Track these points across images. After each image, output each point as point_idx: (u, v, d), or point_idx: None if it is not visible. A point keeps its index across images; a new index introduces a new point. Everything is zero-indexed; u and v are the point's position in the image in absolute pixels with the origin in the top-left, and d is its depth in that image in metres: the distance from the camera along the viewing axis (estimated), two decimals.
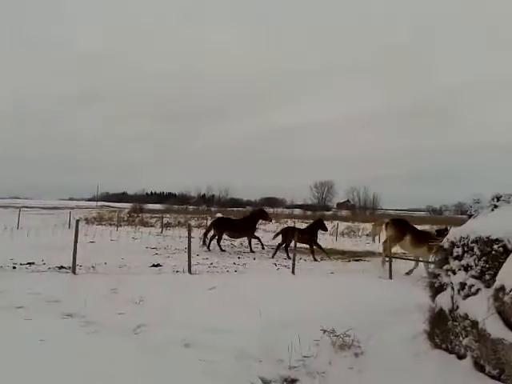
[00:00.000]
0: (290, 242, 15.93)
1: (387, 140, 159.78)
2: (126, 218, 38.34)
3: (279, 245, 17.04)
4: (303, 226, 22.40)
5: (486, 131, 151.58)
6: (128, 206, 63.53)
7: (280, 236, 17.36)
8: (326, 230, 18.20)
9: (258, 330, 6.07)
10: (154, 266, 12.28)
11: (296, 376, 4.81)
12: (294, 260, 12.26)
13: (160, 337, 5.66)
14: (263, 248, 18.35)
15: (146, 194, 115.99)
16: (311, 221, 23.32)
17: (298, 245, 14.06)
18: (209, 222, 23.80)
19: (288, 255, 16.16)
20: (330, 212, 79.63)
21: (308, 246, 16.78)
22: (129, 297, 7.75)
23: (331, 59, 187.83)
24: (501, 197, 5.29)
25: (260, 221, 19.73)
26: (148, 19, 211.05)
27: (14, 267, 10.85)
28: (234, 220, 19.91)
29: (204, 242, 17.85)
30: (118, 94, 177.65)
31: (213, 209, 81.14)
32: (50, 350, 5.05)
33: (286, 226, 25.76)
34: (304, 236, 16.28)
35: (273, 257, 16.39)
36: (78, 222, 11.54)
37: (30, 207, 53.66)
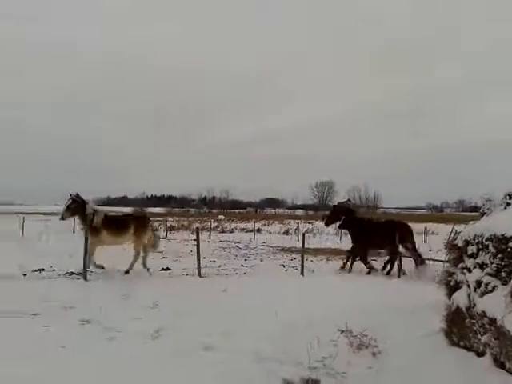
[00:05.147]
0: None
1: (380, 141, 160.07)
2: None
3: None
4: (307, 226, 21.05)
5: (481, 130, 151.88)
6: (129, 210, 63.47)
7: None
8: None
9: (275, 332, 6.12)
10: (163, 269, 12.33)
11: (317, 376, 4.84)
12: (302, 261, 12.30)
13: (179, 341, 5.69)
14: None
15: (147, 197, 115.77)
16: (313, 221, 21.48)
17: None
18: (213, 225, 23.56)
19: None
20: None
21: None
22: (142, 301, 7.79)
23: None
24: None
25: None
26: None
27: (25, 274, 10.74)
28: None
29: None
30: (116, 96, 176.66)
31: (214, 211, 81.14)
32: (71, 357, 5.09)
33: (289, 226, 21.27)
34: None
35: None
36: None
37: (28, 213, 53.14)
